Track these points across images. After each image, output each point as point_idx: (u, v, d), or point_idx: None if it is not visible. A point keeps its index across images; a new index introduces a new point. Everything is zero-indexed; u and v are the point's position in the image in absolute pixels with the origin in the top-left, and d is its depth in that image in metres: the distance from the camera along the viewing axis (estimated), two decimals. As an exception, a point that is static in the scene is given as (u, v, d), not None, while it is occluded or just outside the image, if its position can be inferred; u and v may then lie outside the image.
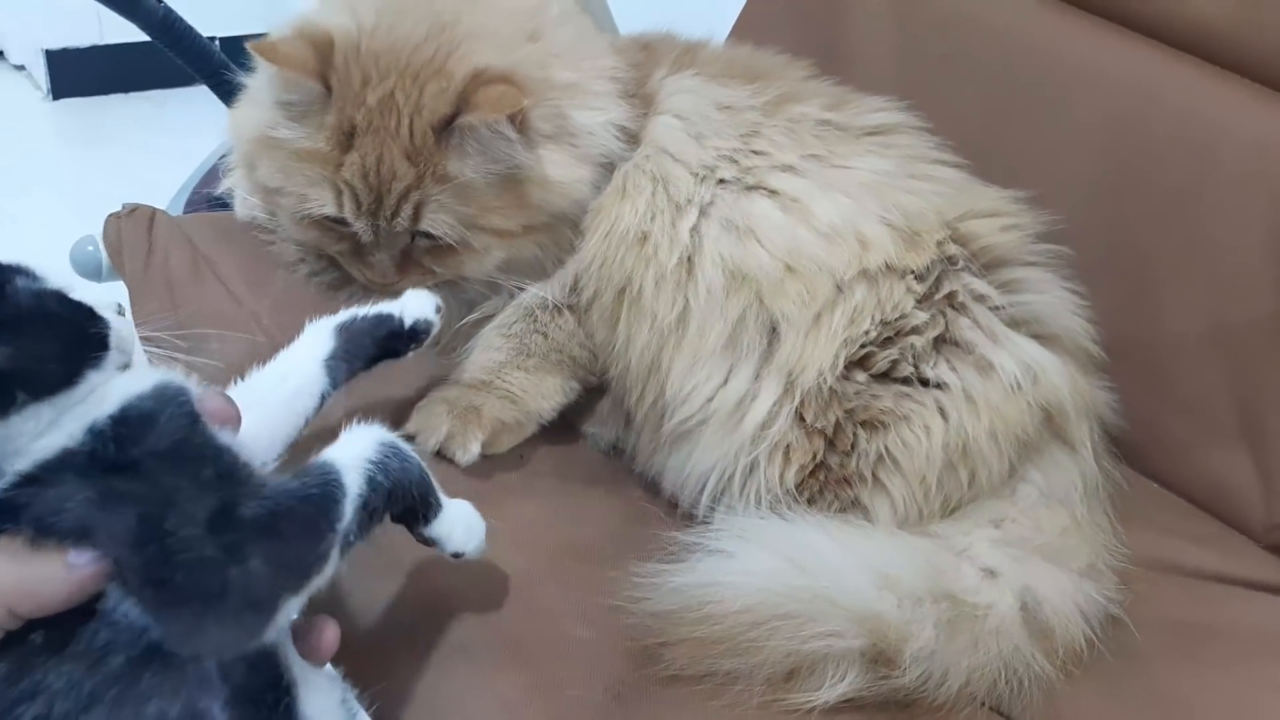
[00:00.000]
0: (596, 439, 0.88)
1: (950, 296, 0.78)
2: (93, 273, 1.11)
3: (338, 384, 0.59)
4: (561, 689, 0.62)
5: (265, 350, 0.60)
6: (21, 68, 2.40)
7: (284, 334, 0.61)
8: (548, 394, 0.84)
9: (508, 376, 0.83)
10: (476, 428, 0.79)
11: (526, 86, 0.75)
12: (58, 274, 0.47)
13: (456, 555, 0.57)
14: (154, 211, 0.97)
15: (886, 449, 0.76)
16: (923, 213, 0.80)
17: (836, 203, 0.80)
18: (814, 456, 0.77)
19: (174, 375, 0.48)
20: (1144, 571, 0.80)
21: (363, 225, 0.76)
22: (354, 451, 0.49)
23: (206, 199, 1.31)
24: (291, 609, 0.46)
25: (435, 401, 0.81)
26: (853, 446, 0.77)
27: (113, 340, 0.46)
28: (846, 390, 0.76)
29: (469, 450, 0.78)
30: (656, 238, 0.80)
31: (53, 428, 0.43)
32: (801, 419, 0.77)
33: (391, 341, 0.63)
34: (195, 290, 0.89)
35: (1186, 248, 0.91)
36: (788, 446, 0.77)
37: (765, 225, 0.79)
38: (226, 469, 0.45)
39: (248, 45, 0.73)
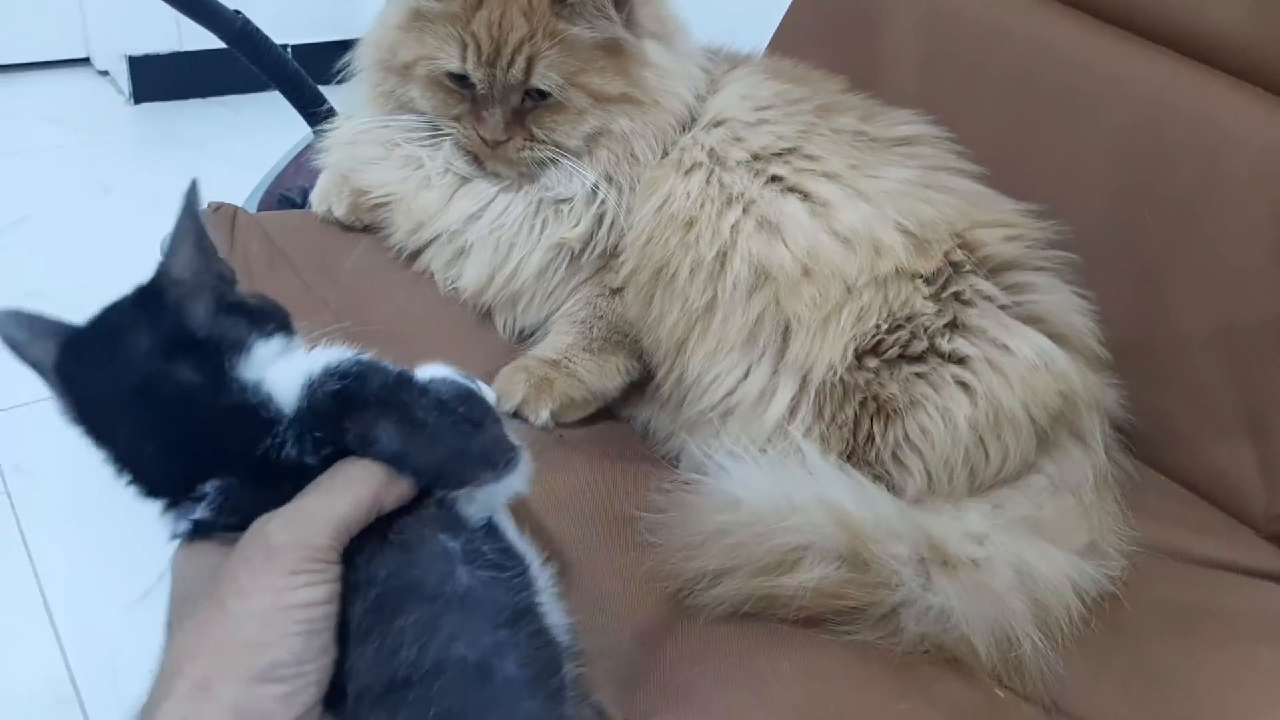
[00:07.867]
0: (633, 420, 0.93)
1: (957, 294, 0.80)
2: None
3: None
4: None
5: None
6: (105, 73, 2.52)
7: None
8: (610, 374, 0.91)
9: (575, 358, 0.90)
10: (548, 397, 0.87)
11: None
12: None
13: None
14: (236, 209, 1.05)
15: (905, 437, 0.79)
16: (935, 222, 0.82)
17: (859, 209, 0.83)
18: (846, 444, 0.81)
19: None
20: (1146, 556, 0.82)
21: (481, 75, 0.86)
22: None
23: (278, 198, 1.40)
24: None
25: (516, 369, 0.89)
26: (870, 438, 0.80)
27: None
28: (858, 381, 0.79)
29: (540, 415, 0.86)
30: (701, 227, 0.84)
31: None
32: (821, 414, 0.81)
33: None
34: (271, 278, 0.97)
35: (1196, 250, 0.93)
36: (821, 436, 0.81)
37: (792, 225, 0.83)
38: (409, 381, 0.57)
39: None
